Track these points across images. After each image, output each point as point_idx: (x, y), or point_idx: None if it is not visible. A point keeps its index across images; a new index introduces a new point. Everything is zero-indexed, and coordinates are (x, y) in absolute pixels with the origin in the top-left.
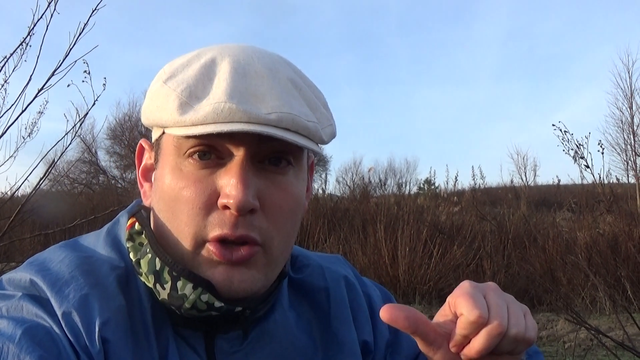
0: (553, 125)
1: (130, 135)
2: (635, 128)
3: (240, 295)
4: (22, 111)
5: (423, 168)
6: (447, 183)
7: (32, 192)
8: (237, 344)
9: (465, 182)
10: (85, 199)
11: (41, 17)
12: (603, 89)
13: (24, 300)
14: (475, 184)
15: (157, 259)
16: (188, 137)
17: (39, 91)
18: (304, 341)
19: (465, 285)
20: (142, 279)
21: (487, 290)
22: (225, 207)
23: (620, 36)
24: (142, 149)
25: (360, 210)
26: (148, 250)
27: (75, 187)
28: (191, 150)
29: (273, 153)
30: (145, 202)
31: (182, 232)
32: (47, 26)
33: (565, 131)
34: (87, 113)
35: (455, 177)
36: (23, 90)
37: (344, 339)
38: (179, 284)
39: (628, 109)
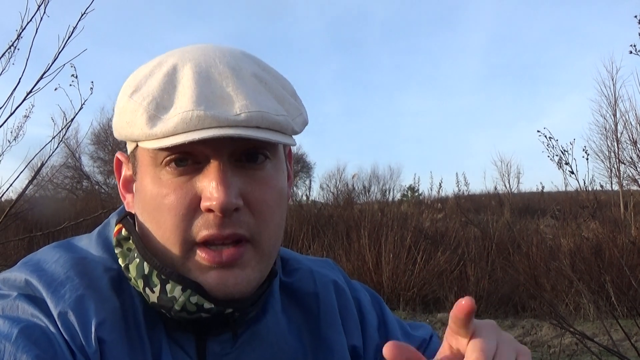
0: (538, 131)
1: (114, 140)
2: (619, 135)
3: (236, 296)
4: (11, 113)
5: (407, 175)
6: (431, 190)
7: (18, 196)
8: (228, 346)
9: (449, 189)
10: (68, 204)
11: (31, 20)
12: (587, 96)
13: (20, 300)
14: (459, 191)
15: (145, 263)
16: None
17: (28, 94)
18: (294, 345)
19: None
20: (132, 283)
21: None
22: (209, 209)
23: (605, 44)
24: (120, 162)
25: (344, 217)
26: (136, 255)
27: (59, 192)
28: (167, 159)
29: (248, 150)
30: (132, 211)
31: (169, 239)
32: (37, 29)
33: (550, 137)
34: (74, 117)
35: (439, 184)
36: (12, 93)
37: (334, 344)
38: (168, 286)
39: (612, 117)
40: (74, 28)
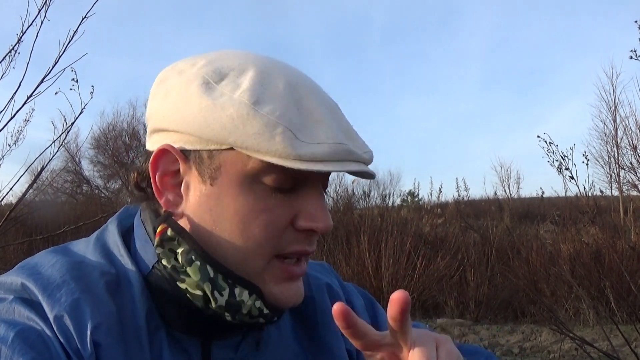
0: (538, 136)
1: (114, 145)
2: (618, 141)
3: (291, 306)
4: (12, 117)
5: (406, 180)
6: (431, 195)
7: (18, 200)
8: (231, 351)
9: (448, 194)
10: (68, 208)
11: (31, 24)
12: (587, 101)
13: (16, 303)
14: (459, 196)
15: (209, 267)
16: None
17: (28, 98)
18: (296, 350)
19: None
20: (184, 286)
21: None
22: (311, 229)
23: (604, 49)
24: (162, 153)
25: (344, 222)
26: (193, 257)
27: (59, 196)
28: (275, 177)
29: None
30: (174, 211)
31: (255, 251)
32: (37, 33)
33: (550, 142)
34: (74, 121)
35: (439, 189)
36: (12, 97)
37: (333, 348)
38: (237, 290)
39: (612, 122)
40: (74, 32)
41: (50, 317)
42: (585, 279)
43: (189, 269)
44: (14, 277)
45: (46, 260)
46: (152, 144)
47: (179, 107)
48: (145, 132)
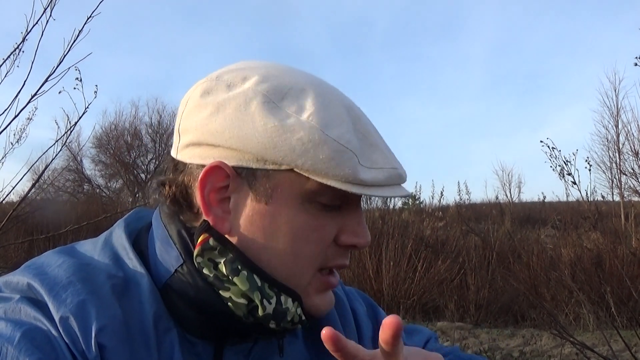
0: (541, 141)
1: (116, 144)
2: (620, 146)
3: (326, 313)
4: (15, 116)
5: (408, 183)
6: (432, 198)
7: (21, 199)
8: (243, 357)
9: (450, 198)
10: (69, 207)
11: (37, 22)
12: (589, 106)
13: (22, 302)
14: (460, 200)
15: (255, 276)
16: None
17: (32, 97)
18: (305, 355)
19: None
20: (228, 294)
21: None
22: (354, 245)
23: (607, 54)
24: (217, 170)
25: None
26: (239, 267)
27: (60, 195)
28: (328, 197)
29: None
30: (221, 227)
31: (304, 266)
32: (42, 32)
33: (553, 147)
34: (78, 120)
35: (441, 193)
36: (17, 96)
37: None
38: (282, 298)
39: (614, 127)
40: (79, 31)
41: (56, 317)
42: (586, 283)
43: (235, 279)
44: (20, 277)
45: (53, 260)
46: (191, 157)
47: (238, 125)
48: (147, 133)
